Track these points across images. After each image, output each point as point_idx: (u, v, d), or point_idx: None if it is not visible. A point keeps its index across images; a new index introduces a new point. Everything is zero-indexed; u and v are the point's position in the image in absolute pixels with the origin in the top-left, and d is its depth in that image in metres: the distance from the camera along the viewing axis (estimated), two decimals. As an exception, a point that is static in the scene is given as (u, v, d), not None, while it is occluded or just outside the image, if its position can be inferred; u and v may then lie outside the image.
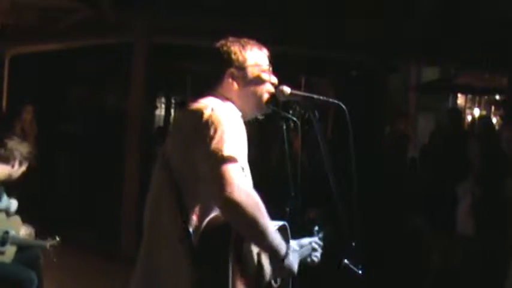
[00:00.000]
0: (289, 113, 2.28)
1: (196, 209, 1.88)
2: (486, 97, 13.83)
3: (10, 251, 3.98)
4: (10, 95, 8.29)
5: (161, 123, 13.43)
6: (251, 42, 2.12)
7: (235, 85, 2.05)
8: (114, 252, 6.35)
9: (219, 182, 1.75)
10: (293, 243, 2.21)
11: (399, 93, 10.48)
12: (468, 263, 4.47)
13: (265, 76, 2.09)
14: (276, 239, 1.88)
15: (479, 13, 6.44)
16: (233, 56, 2.05)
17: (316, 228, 2.38)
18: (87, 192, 7.85)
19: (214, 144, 1.80)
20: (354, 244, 2.03)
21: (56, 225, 4.78)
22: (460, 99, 13.69)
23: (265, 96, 2.09)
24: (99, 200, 7.66)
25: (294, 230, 2.18)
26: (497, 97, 12.86)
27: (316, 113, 2.07)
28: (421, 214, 5.48)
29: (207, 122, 1.85)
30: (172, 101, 14.23)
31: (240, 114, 2.04)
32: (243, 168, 1.83)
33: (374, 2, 6.63)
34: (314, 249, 2.30)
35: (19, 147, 4.00)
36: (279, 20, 6.20)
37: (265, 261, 2.00)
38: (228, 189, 1.74)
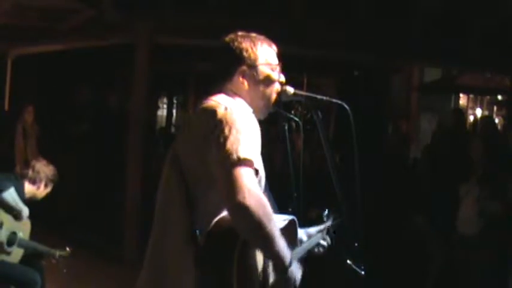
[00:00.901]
0: (291, 113, 2.28)
1: (206, 210, 1.85)
2: (488, 97, 13.82)
3: (17, 253, 3.99)
4: (12, 96, 8.30)
5: (163, 124, 13.45)
6: (261, 38, 2.07)
7: (246, 84, 2.01)
8: (116, 254, 6.35)
9: (232, 185, 1.71)
10: (301, 233, 2.21)
11: (401, 94, 10.46)
12: (469, 263, 4.46)
13: (275, 75, 2.05)
14: (283, 247, 1.83)
15: (481, 13, 6.43)
16: (245, 54, 2.00)
17: (326, 212, 2.37)
18: (89, 194, 7.85)
19: (229, 145, 1.75)
20: (356, 245, 2.02)
21: (61, 226, 4.79)
22: (462, 100, 13.68)
23: (274, 96, 2.06)
24: (101, 201, 7.65)
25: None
26: (500, 97, 12.85)
27: (319, 113, 2.06)
28: (422, 214, 5.48)
29: (221, 121, 1.80)
30: (174, 101, 14.24)
31: (251, 110, 1.99)
32: (257, 170, 1.80)
33: (376, 2, 6.63)
34: (321, 241, 2.30)
35: (45, 170, 4.19)
36: (279, 20, 6.20)
37: (269, 269, 1.98)
38: (240, 194, 1.69)
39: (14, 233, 3.93)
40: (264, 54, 2.04)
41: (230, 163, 1.73)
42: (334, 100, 2.12)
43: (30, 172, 4.13)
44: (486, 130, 5.56)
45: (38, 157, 4.47)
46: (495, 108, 14.10)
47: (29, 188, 4.11)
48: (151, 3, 6.39)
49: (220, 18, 5.99)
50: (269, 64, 2.04)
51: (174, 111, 14.08)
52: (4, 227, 3.86)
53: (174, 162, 1.93)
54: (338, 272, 2.09)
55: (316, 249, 2.28)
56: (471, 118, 13.20)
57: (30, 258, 4.10)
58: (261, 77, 2.02)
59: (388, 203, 5.89)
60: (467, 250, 4.48)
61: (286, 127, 2.37)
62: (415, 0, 6.69)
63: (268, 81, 2.03)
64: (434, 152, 6.05)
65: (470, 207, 4.49)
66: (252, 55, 2.00)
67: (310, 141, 6.45)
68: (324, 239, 2.31)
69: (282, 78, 2.09)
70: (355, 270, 2.03)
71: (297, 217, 2.09)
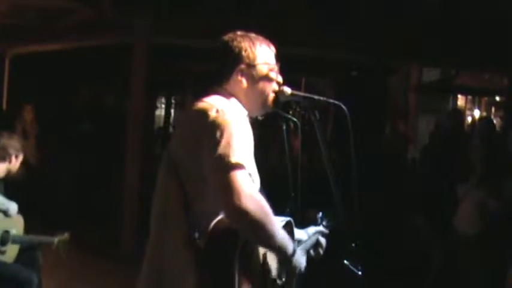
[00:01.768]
0: (289, 113, 2.28)
1: (203, 211, 1.85)
2: (486, 98, 13.82)
3: (11, 250, 3.97)
4: (11, 95, 8.29)
5: (161, 124, 13.44)
6: (260, 38, 2.08)
7: (244, 83, 2.01)
8: (113, 251, 6.36)
9: (227, 190, 1.71)
10: (301, 233, 2.21)
11: (399, 94, 10.46)
12: (468, 264, 4.47)
13: (273, 75, 2.06)
14: (284, 239, 1.85)
15: (479, 13, 6.44)
16: (244, 53, 2.00)
17: (320, 215, 2.37)
18: (87, 192, 7.84)
19: (221, 149, 1.75)
20: (354, 245, 2.02)
21: (59, 225, 4.79)
22: (460, 101, 13.67)
23: (272, 96, 2.06)
24: (99, 199, 7.65)
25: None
26: (498, 98, 12.85)
27: (317, 114, 2.06)
28: (421, 215, 5.48)
29: (212, 124, 1.80)
30: (173, 101, 14.22)
31: (245, 113, 2.00)
32: (250, 174, 1.79)
33: (375, 2, 6.63)
34: (319, 242, 2.30)
35: (11, 142, 4.14)
36: (279, 20, 6.20)
37: (271, 258, 1.99)
38: (236, 198, 1.69)
39: (6, 232, 3.91)
40: (263, 54, 2.04)
41: (224, 168, 1.73)
42: (331, 100, 2.12)
43: None
44: (484, 131, 5.56)
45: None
46: (493, 109, 14.10)
47: (2, 166, 4.08)
48: (150, 3, 6.39)
49: (219, 18, 5.99)
50: (267, 64, 2.05)
51: (173, 111, 14.06)
52: (-5, 227, 3.85)
53: (170, 163, 1.93)
54: (336, 272, 2.09)
55: (312, 252, 2.28)
56: (469, 119, 13.20)
57: (27, 255, 4.09)
58: (259, 76, 2.02)
59: (387, 203, 5.89)
60: (466, 250, 4.48)
61: (284, 128, 2.37)
62: (414, 1, 6.69)
63: (266, 80, 2.04)
64: (432, 152, 6.05)
65: (469, 207, 4.50)
66: (250, 54, 2.01)
67: (308, 141, 6.45)
68: (319, 242, 2.31)
69: (280, 79, 2.09)
70: (352, 270, 2.03)
71: (295, 217, 2.09)
